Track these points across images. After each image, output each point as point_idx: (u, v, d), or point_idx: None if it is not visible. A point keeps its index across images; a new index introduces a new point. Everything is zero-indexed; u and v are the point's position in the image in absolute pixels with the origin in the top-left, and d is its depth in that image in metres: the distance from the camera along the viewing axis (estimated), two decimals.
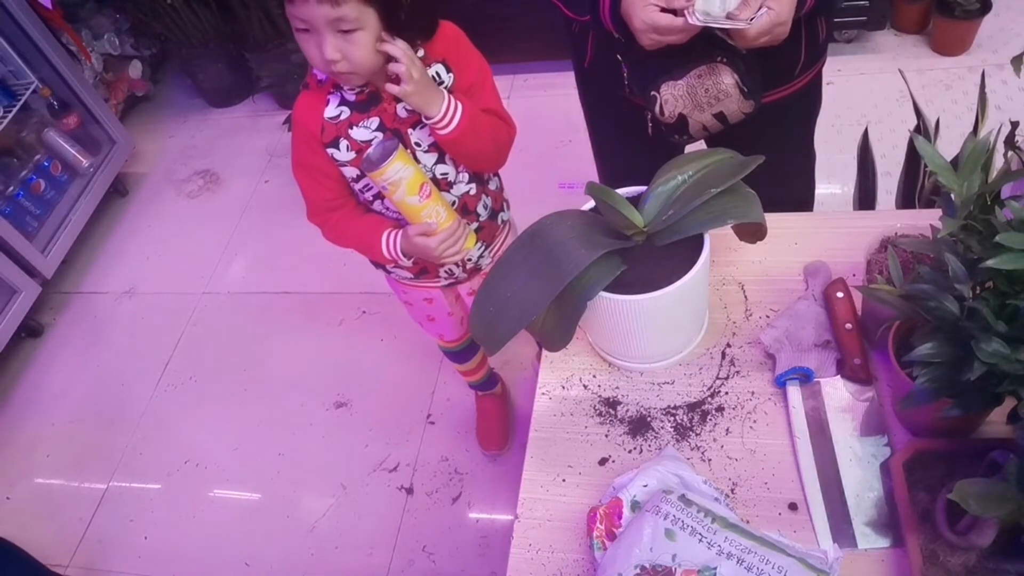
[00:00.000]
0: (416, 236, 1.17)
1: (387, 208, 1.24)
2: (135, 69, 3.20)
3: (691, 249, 0.90)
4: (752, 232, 0.96)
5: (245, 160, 2.97)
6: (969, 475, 0.68)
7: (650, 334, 0.95)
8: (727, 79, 1.04)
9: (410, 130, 1.16)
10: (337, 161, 1.17)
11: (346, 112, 1.13)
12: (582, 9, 1.08)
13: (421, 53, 1.12)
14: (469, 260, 1.37)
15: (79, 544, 2.00)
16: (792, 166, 1.37)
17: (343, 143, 1.14)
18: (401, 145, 1.11)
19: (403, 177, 1.10)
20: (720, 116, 1.07)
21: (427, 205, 1.14)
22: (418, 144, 1.17)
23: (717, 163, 0.94)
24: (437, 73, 1.14)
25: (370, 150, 1.12)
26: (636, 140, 1.19)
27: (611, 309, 0.90)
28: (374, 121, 1.14)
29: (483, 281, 0.93)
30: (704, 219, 0.89)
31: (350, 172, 1.18)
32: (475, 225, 1.30)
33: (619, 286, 0.88)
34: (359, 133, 1.14)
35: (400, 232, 1.22)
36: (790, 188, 1.40)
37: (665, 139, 1.13)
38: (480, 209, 1.30)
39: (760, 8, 0.95)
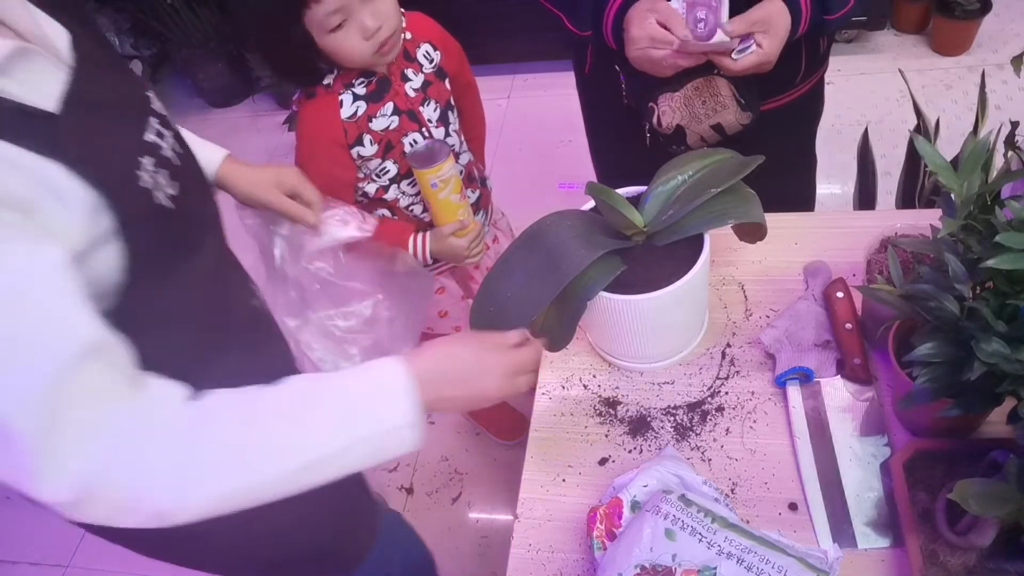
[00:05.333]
0: (450, 235, 1.25)
1: (403, 193, 1.27)
2: (135, 69, 3.20)
3: (691, 249, 0.90)
4: (752, 232, 0.96)
5: (245, 160, 2.97)
6: (969, 475, 0.68)
7: (650, 334, 0.95)
8: (724, 91, 1.05)
9: (421, 107, 1.21)
10: (363, 158, 1.20)
11: (362, 107, 1.16)
12: (584, 24, 1.09)
13: (409, 36, 1.20)
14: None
15: (79, 544, 2.00)
16: (793, 168, 1.37)
17: (367, 138, 1.18)
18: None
19: (453, 175, 1.19)
20: (718, 127, 1.08)
21: (464, 204, 1.24)
22: (430, 120, 1.23)
23: (717, 163, 0.94)
24: (427, 52, 1.22)
25: (416, 148, 1.20)
26: (635, 146, 1.19)
27: (611, 309, 0.90)
28: (389, 107, 1.18)
29: (483, 281, 0.93)
30: (704, 219, 0.89)
31: (374, 164, 1.21)
32: (478, 193, 1.38)
33: (619, 286, 0.88)
34: (378, 123, 1.18)
35: (428, 234, 1.28)
36: (791, 189, 1.40)
37: (663, 149, 1.13)
38: (476, 175, 1.39)
39: (751, 41, 0.98)
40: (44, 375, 0.52)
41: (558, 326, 0.91)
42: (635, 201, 0.95)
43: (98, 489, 0.55)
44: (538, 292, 0.87)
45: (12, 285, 0.51)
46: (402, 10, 1.23)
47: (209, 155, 1.00)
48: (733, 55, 0.99)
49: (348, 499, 1.04)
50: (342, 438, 0.64)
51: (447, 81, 1.25)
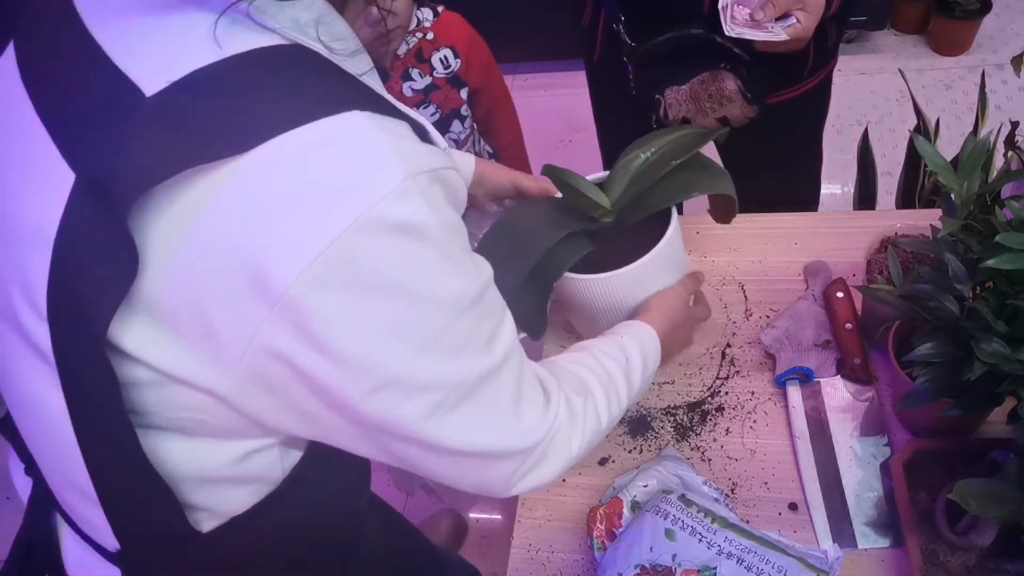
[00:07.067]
0: None
1: None
2: None
3: (661, 227, 0.89)
4: (726, 210, 0.95)
5: None
6: (969, 475, 0.68)
7: (629, 317, 0.94)
8: (730, 85, 1.05)
9: (415, 108, 1.19)
10: None
11: None
12: None
13: (431, 36, 1.18)
14: None
15: None
16: (798, 166, 1.37)
17: None
18: None
19: None
20: (724, 120, 1.08)
21: None
22: None
23: (679, 138, 0.93)
24: (444, 57, 1.19)
25: None
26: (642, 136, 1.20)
27: (583, 291, 0.89)
28: None
29: None
30: (668, 192, 0.87)
31: None
32: None
33: (592, 268, 0.87)
34: None
35: None
36: (795, 189, 1.40)
37: None
38: None
39: (791, 17, 0.98)
40: (515, 360, 0.61)
41: (531, 311, 0.90)
42: (602, 186, 0.94)
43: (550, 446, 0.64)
44: (506, 278, 0.86)
45: (489, 279, 0.60)
46: (440, 8, 1.21)
47: (463, 158, 1.03)
48: (775, 28, 0.99)
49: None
50: (643, 382, 0.80)
51: (463, 91, 1.23)
